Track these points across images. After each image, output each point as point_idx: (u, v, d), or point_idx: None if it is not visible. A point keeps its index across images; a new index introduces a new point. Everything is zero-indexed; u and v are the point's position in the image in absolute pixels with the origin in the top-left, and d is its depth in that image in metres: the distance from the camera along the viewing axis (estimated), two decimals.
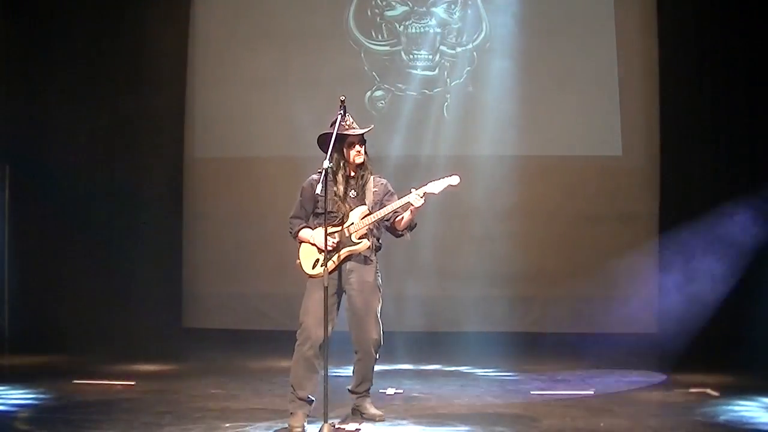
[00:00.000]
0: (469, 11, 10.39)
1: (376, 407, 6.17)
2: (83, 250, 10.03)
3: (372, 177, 6.04)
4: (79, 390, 7.24)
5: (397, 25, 10.48)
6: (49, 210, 10.06)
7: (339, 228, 5.87)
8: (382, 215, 5.90)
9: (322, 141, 5.85)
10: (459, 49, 10.41)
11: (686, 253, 9.66)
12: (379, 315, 5.97)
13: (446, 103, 10.38)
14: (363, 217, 5.91)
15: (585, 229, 10.16)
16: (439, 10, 10.42)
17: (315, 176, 5.93)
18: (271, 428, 5.90)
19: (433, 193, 5.85)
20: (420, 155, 9.92)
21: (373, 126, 6.11)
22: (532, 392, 7.24)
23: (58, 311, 9.91)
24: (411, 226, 6.01)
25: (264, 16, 10.53)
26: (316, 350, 5.76)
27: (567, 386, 7.44)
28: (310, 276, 5.89)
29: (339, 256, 5.88)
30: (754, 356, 8.38)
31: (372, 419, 6.06)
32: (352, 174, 5.99)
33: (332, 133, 5.73)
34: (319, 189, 5.58)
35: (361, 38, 10.50)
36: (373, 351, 5.96)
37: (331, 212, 5.83)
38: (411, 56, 10.46)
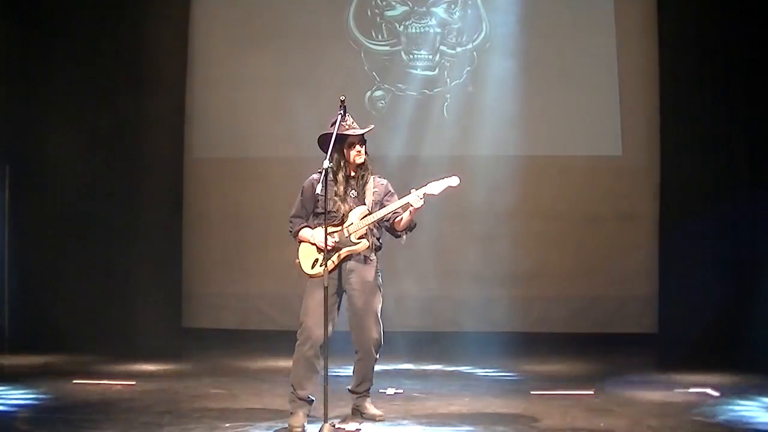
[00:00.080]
0: (469, 11, 10.40)
1: (376, 407, 6.16)
2: (83, 250, 10.03)
3: (372, 177, 6.04)
4: (79, 390, 7.24)
5: (397, 25, 10.48)
6: (49, 210, 10.07)
7: (339, 228, 5.87)
8: (382, 215, 5.90)
9: (323, 141, 5.85)
10: (459, 49, 10.41)
11: (686, 253, 9.67)
12: (379, 315, 5.97)
13: (446, 103, 10.38)
14: (363, 218, 5.92)
15: (585, 229, 10.16)
16: (439, 10, 10.42)
17: (315, 176, 5.93)
18: (271, 428, 5.90)
19: (433, 194, 5.85)
20: (420, 155, 9.92)
21: (373, 126, 6.11)
22: (532, 392, 7.23)
23: (58, 311, 9.91)
24: (410, 227, 6.01)
25: (264, 16, 10.53)
26: (316, 350, 5.76)
27: (567, 386, 7.42)
28: (309, 276, 5.89)
29: (339, 256, 5.88)
30: (754, 356, 8.38)
31: (372, 419, 6.05)
32: (353, 174, 5.99)
33: (332, 134, 5.73)
34: (319, 189, 5.58)
35: (361, 38, 10.50)
36: (373, 351, 5.96)
37: (331, 212, 5.83)
38: (411, 56, 10.46)
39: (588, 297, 10.09)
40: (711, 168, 9.83)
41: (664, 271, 9.89)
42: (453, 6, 10.41)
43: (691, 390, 7.25)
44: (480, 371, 8.42)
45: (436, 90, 10.42)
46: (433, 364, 8.75)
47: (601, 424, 6.02)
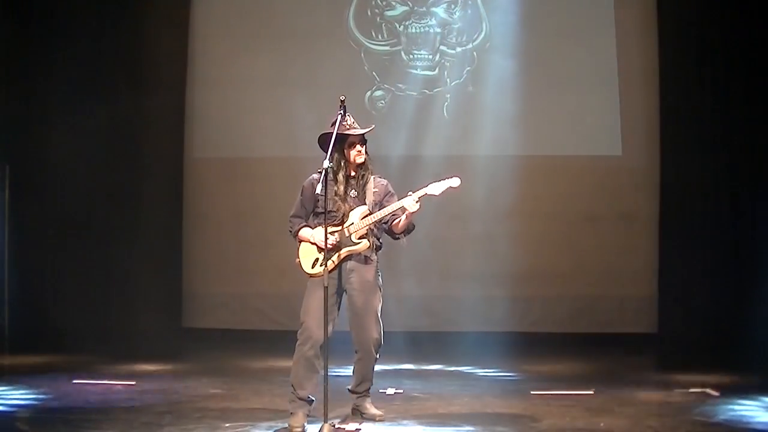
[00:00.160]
0: (469, 11, 10.40)
1: (377, 407, 6.16)
2: (83, 250, 10.03)
3: (372, 177, 6.03)
4: (79, 390, 7.23)
5: (397, 25, 10.49)
6: (49, 210, 10.07)
7: (339, 227, 5.87)
8: (380, 217, 5.90)
9: (323, 141, 5.84)
10: (459, 49, 10.41)
11: (686, 253, 9.67)
12: (379, 314, 5.97)
13: (446, 103, 10.38)
14: (363, 217, 5.91)
15: (585, 229, 10.16)
16: (439, 10, 10.42)
17: (315, 175, 5.93)
18: (271, 428, 5.90)
19: (434, 195, 5.85)
20: (420, 155, 9.91)
21: (374, 126, 6.11)
22: (531, 392, 7.23)
23: (58, 311, 9.92)
24: (408, 230, 6.00)
25: (264, 16, 10.54)
26: (316, 350, 5.75)
27: (567, 386, 7.43)
28: (310, 275, 5.88)
29: (339, 256, 5.88)
30: (754, 356, 8.39)
31: (372, 419, 6.05)
32: (353, 174, 5.99)
33: (333, 133, 5.73)
34: (319, 189, 5.58)
35: (361, 38, 10.50)
36: (373, 350, 5.96)
37: (331, 212, 5.82)
38: (411, 56, 10.46)
39: (588, 297, 10.10)
40: (711, 168, 9.84)
41: (664, 271, 9.90)
42: (453, 6, 10.41)
43: (691, 390, 7.24)
44: (480, 371, 8.42)
45: (436, 90, 10.42)
46: (433, 364, 8.75)
47: (601, 424, 6.02)
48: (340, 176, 5.92)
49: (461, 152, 10.02)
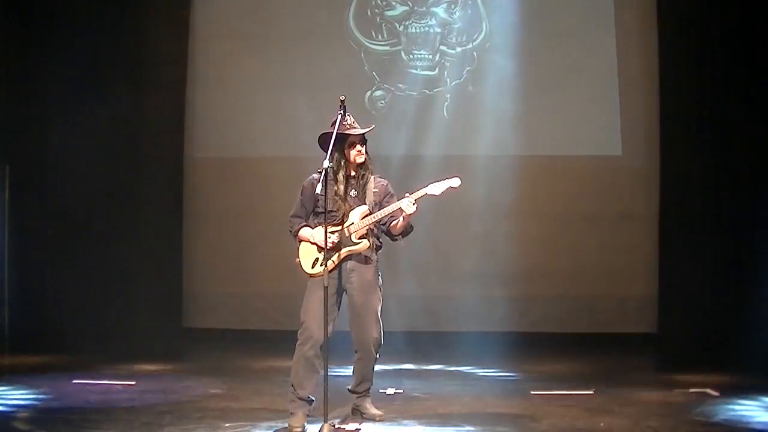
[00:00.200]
0: (469, 11, 10.40)
1: (377, 407, 6.16)
2: (83, 250, 10.03)
3: (372, 177, 6.03)
4: (79, 390, 7.24)
5: (397, 25, 10.48)
6: (49, 210, 10.07)
7: (339, 227, 5.87)
8: (380, 218, 5.90)
9: (323, 140, 5.84)
10: (459, 49, 10.41)
11: (686, 253, 9.67)
12: (379, 314, 5.97)
13: (446, 103, 10.38)
14: (363, 217, 5.91)
15: (585, 229, 10.16)
16: (439, 10, 10.42)
17: (316, 175, 5.92)
18: (271, 428, 5.90)
19: (434, 195, 5.85)
20: (420, 155, 9.91)
21: (374, 126, 6.11)
22: (532, 392, 7.23)
23: (58, 311, 9.92)
24: (406, 232, 6.00)
25: (264, 16, 10.54)
26: (316, 350, 5.75)
27: (567, 386, 7.43)
28: (310, 275, 5.88)
29: (339, 256, 5.87)
30: (754, 356, 8.39)
31: (372, 419, 6.05)
32: (353, 173, 5.99)
33: (333, 133, 5.73)
34: (319, 189, 5.58)
35: (361, 38, 10.50)
36: (373, 350, 5.95)
37: (331, 211, 5.82)
38: (411, 56, 10.46)
39: (588, 297, 10.10)
40: (711, 168, 9.84)
41: (664, 271, 9.91)
42: (453, 6, 10.41)
43: (691, 390, 7.25)
44: (480, 371, 8.42)
45: (436, 90, 10.42)
46: (434, 363, 8.75)
47: (601, 424, 6.02)
48: (340, 176, 5.92)
49: (461, 152, 10.02)
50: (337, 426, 5.83)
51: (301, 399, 5.82)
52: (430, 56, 10.45)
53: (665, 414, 6.39)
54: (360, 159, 5.94)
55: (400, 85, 10.42)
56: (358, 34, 10.50)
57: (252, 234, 10.24)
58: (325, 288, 5.56)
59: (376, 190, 6.00)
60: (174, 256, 10.36)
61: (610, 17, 10.22)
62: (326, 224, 5.67)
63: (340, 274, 5.91)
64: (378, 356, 6.01)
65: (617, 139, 10.25)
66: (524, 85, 10.12)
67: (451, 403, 6.77)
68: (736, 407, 6.58)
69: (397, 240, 6.04)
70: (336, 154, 5.85)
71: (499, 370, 8.44)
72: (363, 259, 5.93)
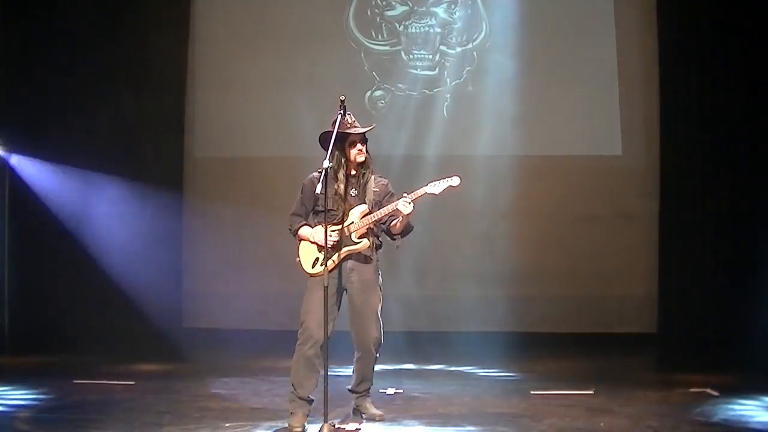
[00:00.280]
0: (469, 11, 10.40)
1: (377, 407, 6.16)
2: (83, 250, 10.02)
3: (373, 176, 6.04)
4: (79, 390, 7.24)
5: (397, 25, 10.48)
6: (49, 210, 10.06)
7: (339, 226, 5.86)
8: (379, 217, 5.90)
9: (324, 139, 5.84)
10: (459, 49, 10.41)
11: (686, 253, 9.67)
12: (379, 313, 5.97)
13: (446, 103, 10.38)
14: (363, 216, 5.91)
15: (585, 229, 10.16)
16: (439, 10, 10.42)
17: (316, 174, 5.92)
18: (271, 428, 5.90)
19: (434, 194, 5.85)
20: (420, 155, 9.91)
21: (374, 125, 6.12)
22: (532, 392, 7.23)
23: (58, 311, 9.91)
24: (406, 231, 6.00)
25: (264, 16, 10.53)
26: (317, 350, 5.75)
27: (567, 386, 7.43)
28: (310, 275, 5.88)
29: (339, 255, 5.87)
30: (754, 356, 8.38)
31: (372, 419, 6.05)
32: (353, 172, 5.99)
33: (333, 132, 5.73)
34: (319, 189, 5.58)
35: (361, 38, 10.50)
36: (373, 349, 5.95)
37: (331, 210, 5.82)
38: (411, 56, 10.46)
39: (588, 297, 10.09)
40: (711, 168, 9.83)
41: (664, 271, 9.90)
42: (453, 6, 10.41)
43: (691, 390, 7.25)
44: (480, 371, 8.42)
45: (436, 90, 10.42)
46: (433, 363, 8.75)
47: (601, 424, 6.02)
48: (341, 175, 5.92)
49: (461, 152, 10.02)
50: (337, 426, 5.83)
51: (301, 399, 5.82)
52: (430, 56, 10.45)
53: (665, 414, 6.39)
54: (360, 158, 5.95)
55: (400, 85, 10.42)
56: (358, 34, 10.50)
57: (252, 234, 10.24)
58: (325, 288, 5.56)
59: (377, 189, 6.00)
60: (174, 256, 10.36)
61: (610, 17, 10.21)
62: (326, 223, 5.67)
63: (340, 273, 5.91)
64: (378, 356, 6.01)
65: (617, 139, 10.25)
66: (524, 85, 10.12)
67: (451, 403, 6.78)
68: (736, 407, 6.58)
69: (396, 239, 6.04)
70: (336, 153, 5.85)
71: (499, 370, 8.44)
72: (363, 258, 5.93)
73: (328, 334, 5.69)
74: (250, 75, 10.42)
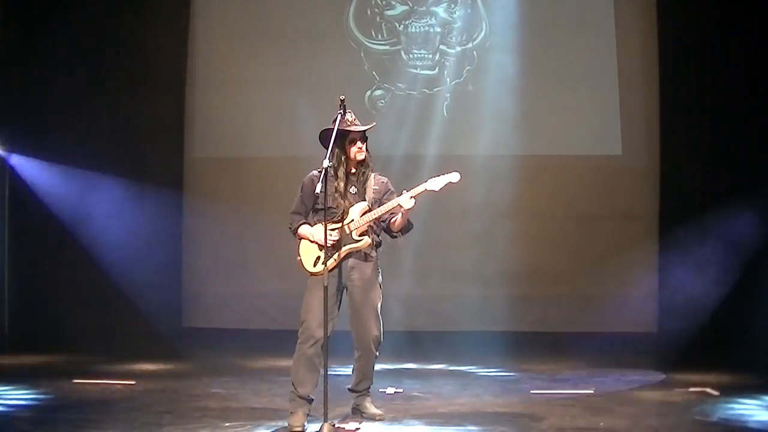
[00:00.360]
0: (469, 10, 10.39)
1: (376, 406, 6.16)
2: (83, 250, 10.02)
3: (373, 175, 6.04)
4: (79, 390, 7.24)
5: (397, 25, 10.48)
6: (49, 210, 10.06)
7: (339, 225, 5.86)
8: (379, 215, 5.90)
9: (324, 137, 5.85)
10: (459, 49, 10.41)
11: (686, 253, 9.66)
12: (379, 311, 5.97)
13: (446, 103, 10.38)
14: (363, 214, 5.91)
15: (585, 229, 10.16)
16: (439, 10, 10.42)
17: (315, 172, 5.93)
18: (271, 428, 5.90)
19: (434, 190, 5.85)
20: (420, 155, 9.91)
21: (374, 123, 6.12)
22: (532, 392, 7.23)
23: (58, 311, 9.91)
24: (406, 228, 6.00)
25: (263, 16, 10.53)
26: (317, 349, 5.75)
27: (567, 386, 7.43)
28: (311, 273, 5.88)
29: (339, 254, 5.87)
30: (754, 356, 8.38)
31: (372, 418, 6.05)
32: (353, 171, 5.99)
33: (333, 130, 5.74)
34: (318, 188, 5.58)
35: (361, 38, 10.50)
36: (373, 347, 5.95)
37: (331, 208, 5.82)
38: (411, 55, 10.46)
39: (588, 297, 10.08)
40: (711, 168, 9.83)
41: (664, 271, 9.89)
42: (453, 5, 10.41)
43: (691, 389, 7.25)
44: (480, 370, 8.42)
45: (435, 89, 10.42)
46: (433, 363, 8.75)
47: (601, 424, 6.02)
48: (341, 173, 5.93)
49: (461, 152, 10.01)
50: (337, 425, 5.83)
51: (301, 398, 5.82)
52: (430, 56, 10.45)
53: (665, 413, 6.39)
54: (360, 156, 5.95)
55: (400, 85, 10.41)
56: (358, 34, 10.50)
57: (252, 234, 10.23)
58: (325, 288, 5.56)
59: (376, 187, 6.00)
60: (174, 256, 10.36)
61: (610, 17, 10.21)
62: (326, 222, 5.67)
63: (340, 272, 5.91)
64: (378, 354, 6.01)
65: (617, 139, 10.24)
66: (524, 84, 10.12)
67: (451, 403, 6.78)
68: (736, 406, 6.58)
69: (396, 237, 6.04)
70: (336, 151, 5.86)
71: (500, 369, 8.44)
72: (363, 256, 5.93)
73: (329, 333, 5.69)
74: (250, 75, 10.41)
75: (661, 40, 10.02)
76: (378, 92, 10.44)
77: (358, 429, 5.86)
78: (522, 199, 9.99)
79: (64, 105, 9.93)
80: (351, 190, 5.96)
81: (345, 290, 5.97)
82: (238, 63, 10.44)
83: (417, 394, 7.16)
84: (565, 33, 10.23)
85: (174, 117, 10.43)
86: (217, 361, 8.85)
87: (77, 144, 9.95)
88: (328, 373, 5.55)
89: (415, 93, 10.40)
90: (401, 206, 5.78)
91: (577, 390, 7.26)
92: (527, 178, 10.00)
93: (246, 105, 10.43)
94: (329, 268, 5.63)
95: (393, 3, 10.47)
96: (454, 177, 5.86)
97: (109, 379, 7.63)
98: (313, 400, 5.83)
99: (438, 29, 10.43)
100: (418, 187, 5.82)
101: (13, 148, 10.03)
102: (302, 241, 5.95)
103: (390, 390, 7.20)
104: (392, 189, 6.05)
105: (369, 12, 10.49)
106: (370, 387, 6.15)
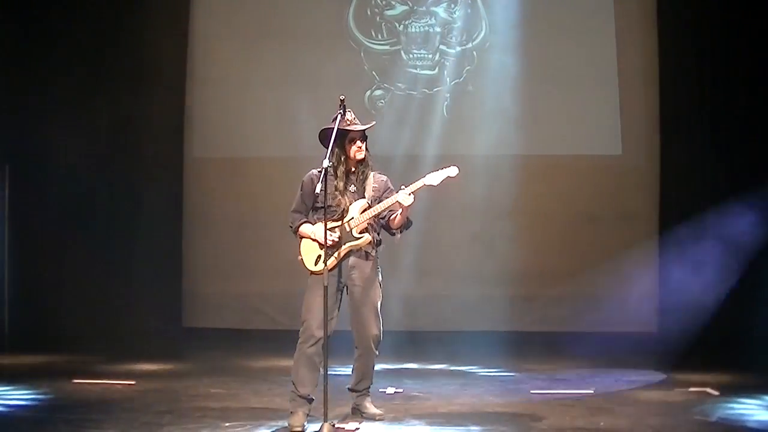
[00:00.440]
0: (469, 10, 10.40)
1: (376, 406, 6.16)
2: (83, 250, 10.03)
3: (372, 173, 6.04)
4: (79, 390, 7.23)
5: (397, 25, 10.49)
6: (49, 210, 10.07)
7: (339, 223, 5.87)
8: (378, 211, 5.90)
9: (324, 136, 5.86)
10: (459, 49, 10.41)
11: (686, 253, 9.67)
12: (379, 310, 5.97)
13: (446, 103, 10.38)
14: (362, 211, 5.91)
15: (585, 229, 10.16)
16: (439, 10, 10.43)
17: (315, 171, 5.93)
18: (271, 428, 5.90)
19: (432, 185, 5.86)
20: (420, 155, 9.90)
21: (374, 122, 6.13)
22: (532, 392, 7.23)
23: (58, 311, 9.92)
24: (405, 226, 6.00)
25: (264, 15, 10.54)
26: (318, 348, 5.75)
27: (567, 386, 7.43)
28: (312, 272, 5.87)
29: (339, 253, 5.87)
30: (754, 355, 8.38)
31: (372, 418, 6.05)
32: (353, 170, 6.00)
33: (333, 130, 5.74)
34: (318, 188, 5.59)
35: (361, 38, 10.50)
36: (373, 346, 5.95)
37: (331, 206, 5.82)
38: (411, 55, 10.46)
39: (588, 297, 10.09)
40: (711, 168, 9.83)
41: (664, 271, 9.90)
42: (453, 5, 10.41)
43: (691, 389, 7.25)
44: (480, 370, 8.42)
45: (435, 89, 10.43)
46: (433, 363, 8.74)
47: (601, 424, 6.02)
48: (340, 172, 5.93)
49: (461, 151, 10.01)
50: (337, 425, 5.83)
51: (301, 397, 5.81)
52: (430, 56, 10.46)
53: (665, 413, 6.39)
54: (360, 155, 5.95)
55: (400, 85, 10.42)
56: (357, 34, 10.50)
57: (252, 234, 10.24)
58: (325, 287, 5.56)
59: (376, 185, 6.01)
60: (174, 256, 10.37)
61: (610, 17, 10.22)
62: (326, 221, 5.67)
63: (340, 271, 5.90)
64: (378, 353, 6.01)
65: (617, 139, 10.25)
66: (524, 84, 10.12)
67: (451, 403, 6.77)
68: (736, 406, 6.58)
69: (395, 234, 6.04)
70: (336, 150, 5.86)
71: (500, 369, 8.43)
72: (364, 255, 5.94)
73: (329, 332, 5.69)
74: (250, 75, 10.42)
75: (661, 40, 10.03)
76: (378, 92, 10.45)
77: (357, 429, 5.86)
78: (522, 199, 9.99)
79: (64, 104, 9.93)
80: (350, 189, 5.96)
81: (345, 289, 5.97)
82: (238, 63, 10.45)
83: (417, 394, 7.15)
84: (565, 33, 10.24)
85: (174, 117, 10.44)
86: (217, 361, 8.84)
87: (77, 143, 9.96)
88: (328, 372, 5.55)
89: (415, 93, 10.40)
90: (400, 203, 5.78)
91: (577, 390, 7.25)
92: (527, 178, 10.00)
93: (246, 105, 10.44)
94: (330, 267, 5.63)
95: (393, 3, 10.48)
96: (453, 171, 5.87)
97: (109, 379, 7.62)
98: (313, 399, 5.83)
99: (438, 29, 10.43)
100: (416, 183, 5.82)
101: (12, 148, 10.02)
102: (303, 240, 5.95)
103: (390, 390, 7.19)
104: (391, 187, 6.05)
105: (369, 12, 10.50)
106: (370, 387, 6.15)
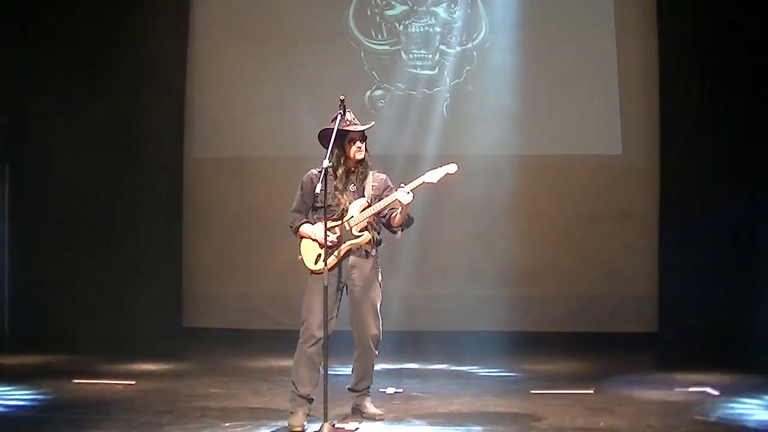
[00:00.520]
0: (469, 10, 10.40)
1: (376, 406, 6.16)
2: (83, 250, 10.03)
3: (372, 173, 6.05)
4: (79, 390, 7.24)
5: (397, 25, 10.49)
6: (50, 210, 10.07)
7: (339, 222, 5.87)
8: (378, 209, 5.90)
9: (323, 136, 5.86)
10: (459, 48, 10.41)
11: (686, 252, 9.67)
12: (379, 310, 5.97)
13: (446, 103, 10.38)
14: (362, 210, 5.92)
15: (585, 229, 10.16)
16: (439, 10, 10.42)
17: (315, 171, 5.94)
18: (271, 428, 5.90)
19: (432, 183, 5.86)
20: (420, 154, 9.89)
21: (374, 122, 6.13)
22: (532, 392, 7.23)
23: (58, 311, 9.91)
24: (406, 224, 6.00)
25: (263, 15, 10.54)
26: (318, 348, 5.75)
27: (567, 386, 7.43)
28: (313, 272, 5.88)
29: (339, 252, 5.87)
30: (754, 355, 8.38)
31: (372, 418, 6.05)
32: (352, 170, 6.00)
33: (333, 130, 5.74)
34: (318, 188, 5.59)
35: (361, 38, 10.50)
36: (372, 346, 5.95)
37: (331, 206, 5.82)
38: (411, 55, 10.46)
39: (588, 297, 10.09)
40: (711, 168, 9.83)
41: (664, 271, 9.90)
42: (453, 5, 10.41)
43: (691, 389, 7.24)
44: (480, 370, 8.42)
45: (435, 89, 10.42)
46: (433, 363, 8.74)
47: (601, 424, 6.02)
48: (340, 171, 5.94)
49: (461, 151, 9.98)
50: (336, 425, 5.83)
51: (302, 397, 5.82)
52: (430, 56, 10.46)
53: (665, 413, 6.39)
54: (359, 155, 5.96)
55: (400, 85, 10.42)
56: (357, 34, 10.50)
57: (252, 234, 10.24)
58: (325, 287, 5.56)
59: (375, 184, 6.01)
60: (174, 256, 10.37)
61: (610, 16, 10.21)
62: (326, 220, 5.67)
63: (340, 270, 5.91)
64: (377, 353, 6.01)
65: (617, 139, 10.25)
66: (524, 84, 10.12)
67: (451, 403, 6.77)
68: (736, 406, 6.58)
69: (396, 232, 6.04)
70: (336, 150, 5.86)
71: (500, 369, 8.43)
72: (364, 254, 5.94)
73: (329, 332, 5.69)
74: (250, 75, 10.42)
75: (661, 40, 10.03)
76: (378, 92, 10.44)
77: (357, 429, 5.86)
78: (522, 199, 9.99)
79: (64, 104, 9.93)
80: (350, 188, 5.97)
81: (345, 289, 5.97)
82: (238, 63, 10.45)
83: (417, 394, 7.15)
84: (565, 33, 10.24)
85: (174, 117, 10.44)
86: (216, 361, 8.85)
87: (77, 143, 9.95)
88: (328, 372, 5.55)
89: (415, 93, 10.40)
90: (399, 201, 5.79)
91: (577, 390, 7.25)
92: (527, 178, 10.00)
93: (246, 105, 10.43)
94: (330, 267, 5.64)
95: (393, 3, 10.48)
96: (452, 168, 5.89)
97: (109, 379, 7.62)
98: (313, 399, 5.84)
99: (438, 29, 10.43)
100: (415, 181, 5.83)
101: (12, 148, 10.02)
102: (303, 239, 5.95)
103: (390, 390, 7.19)
104: (391, 185, 6.05)
105: (369, 12, 10.50)
106: (370, 387, 6.15)
